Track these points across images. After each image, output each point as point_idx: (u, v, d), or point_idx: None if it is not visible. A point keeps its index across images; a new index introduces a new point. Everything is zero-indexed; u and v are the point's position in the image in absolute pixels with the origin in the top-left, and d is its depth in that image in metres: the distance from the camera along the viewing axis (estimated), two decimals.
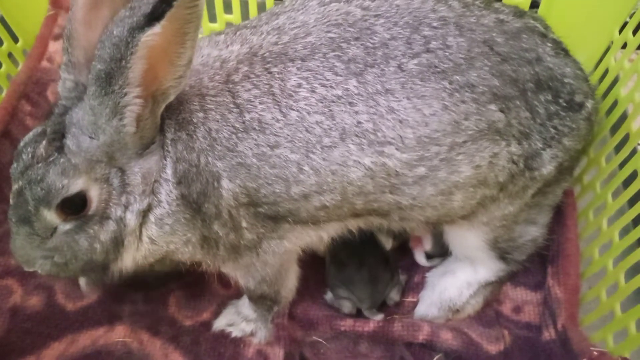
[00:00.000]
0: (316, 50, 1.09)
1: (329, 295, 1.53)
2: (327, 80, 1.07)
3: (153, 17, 0.86)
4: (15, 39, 1.78)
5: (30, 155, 1.00)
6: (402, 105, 1.07)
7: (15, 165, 1.03)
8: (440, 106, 1.08)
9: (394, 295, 1.52)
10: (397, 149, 1.08)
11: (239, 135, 1.07)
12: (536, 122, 1.16)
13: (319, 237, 1.27)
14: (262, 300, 1.38)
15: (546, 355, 1.37)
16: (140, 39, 0.87)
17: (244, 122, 1.07)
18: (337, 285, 1.51)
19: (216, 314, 1.48)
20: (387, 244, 1.57)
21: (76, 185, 0.99)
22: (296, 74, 1.08)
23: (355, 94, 1.07)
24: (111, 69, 0.90)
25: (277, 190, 1.10)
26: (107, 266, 1.13)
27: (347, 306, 1.49)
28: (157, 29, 0.86)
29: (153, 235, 1.10)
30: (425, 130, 1.08)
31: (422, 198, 1.16)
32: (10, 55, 1.74)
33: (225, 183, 1.08)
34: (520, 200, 1.26)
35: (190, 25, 0.91)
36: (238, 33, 1.17)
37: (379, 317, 1.49)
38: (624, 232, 1.35)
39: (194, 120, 1.07)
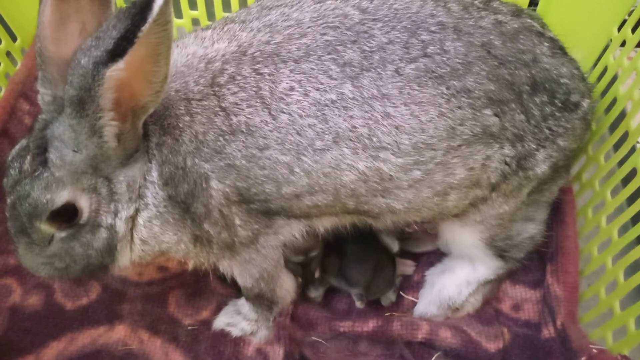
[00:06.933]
0: (311, 53, 1.07)
1: (312, 292, 1.52)
2: (322, 84, 1.06)
3: (115, 54, 0.84)
4: (14, 38, 1.77)
5: (17, 170, 1.02)
6: (399, 112, 1.06)
7: (5, 179, 1.04)
8: (437, 112, 1.07)
9: (390, 295, 1.52)
10: (392, 154, 1.08)
11: (226, 137, 1.06)
12: (530, 124, 1.16)
13: (313, 230, 1.27)
14: (260, 300, 1.38)
15: (545, 353, 1.37)
16: (105, 73, 0.86)
17: (230, 125, 1.06)
18: (331, 272, 1.50)
19: (216, 312, 1.48)
20: (394, 245, 1.56)
21: (61, 198, 1.00)
22: (288, 76, 1.06)
23: (350, 99, 1.06)
24: (82, 97, 0.89)
25: (268, 190, 1.10)
26: (106, 267, 1.14)
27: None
28: (120, 64, 0.85)
29: (144, 237, 1.11)
30: (421, 136, 1.08)
31: (418, 200, 1.16)
32: (8, 54, 1.73)
33: (214, 184, 1.08)
34: (515, 199, 1.26)
35: (162, 46, 0.90)
36: (226, 28, 1.14)
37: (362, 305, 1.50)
38: (623, 229, 1.35)
39: (180, 124, 1.06)
